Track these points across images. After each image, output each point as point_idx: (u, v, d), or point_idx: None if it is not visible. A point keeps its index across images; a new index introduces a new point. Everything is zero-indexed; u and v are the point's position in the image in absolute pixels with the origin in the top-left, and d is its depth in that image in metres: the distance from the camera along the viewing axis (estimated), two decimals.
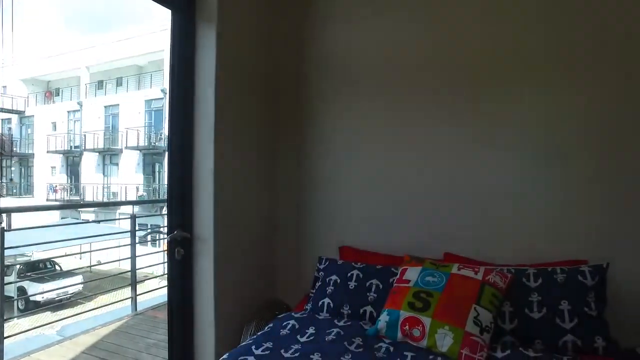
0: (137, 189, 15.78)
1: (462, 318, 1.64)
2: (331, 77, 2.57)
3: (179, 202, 2.18)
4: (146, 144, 15.65)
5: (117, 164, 16.74)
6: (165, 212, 2.72)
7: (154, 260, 7.90)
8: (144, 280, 5.77)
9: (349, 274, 2.08)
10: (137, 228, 4.31)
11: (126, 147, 16.11)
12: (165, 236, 2.15)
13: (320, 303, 2.05)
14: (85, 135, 16.94)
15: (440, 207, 2.30)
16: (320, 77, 2.60)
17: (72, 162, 17.84)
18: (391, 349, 1.67)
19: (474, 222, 2.23)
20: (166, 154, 2.20)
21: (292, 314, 2.00)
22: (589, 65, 2.02)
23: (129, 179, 15.94)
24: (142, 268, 4.69)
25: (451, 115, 2.28)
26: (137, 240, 4.41)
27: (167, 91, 2.15)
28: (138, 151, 15.99)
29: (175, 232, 2.12)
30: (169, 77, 2.16)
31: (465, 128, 2.25)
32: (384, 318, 1.78)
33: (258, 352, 1.67)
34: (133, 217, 4.23)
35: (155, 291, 5.07)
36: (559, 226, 2.07)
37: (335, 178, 2.56)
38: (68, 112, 17.73)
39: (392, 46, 2.41)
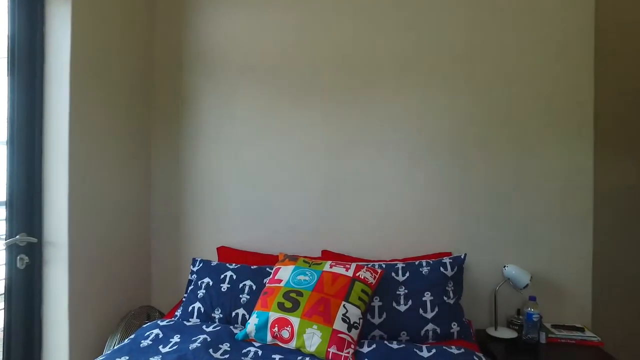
0: None
1: (331, 316, 1.63)
2: (210, 70, 2.41)
3: (24, 201, 1.87)
4: None
5: None
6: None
7: None
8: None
9: (222, 276, 1.97)
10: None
11: None
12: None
13: (190, 308, 1.91)
14: None
15: (318, 205, 2.30)
16: (199, 69, 2.43)
17: None
18: (260, 352, 1.60)
19: (351, 219, 2.27)
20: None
21: (158, 322, 1.83)
22: (455, 67, 2.17)
23: None
24: None
25: (327, 114, 2.29)
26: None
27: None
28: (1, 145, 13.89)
29: (17, 237, 1.82)
30: (8, 59, 1.82)
31: (341, 127, 2.28)
32: (253, 321, 1.70)
33: None
34: None
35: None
36: (431, 222, 2.20)
37: (214, 175, 2.42)
38: None
39: (272, 43, 2.35)
